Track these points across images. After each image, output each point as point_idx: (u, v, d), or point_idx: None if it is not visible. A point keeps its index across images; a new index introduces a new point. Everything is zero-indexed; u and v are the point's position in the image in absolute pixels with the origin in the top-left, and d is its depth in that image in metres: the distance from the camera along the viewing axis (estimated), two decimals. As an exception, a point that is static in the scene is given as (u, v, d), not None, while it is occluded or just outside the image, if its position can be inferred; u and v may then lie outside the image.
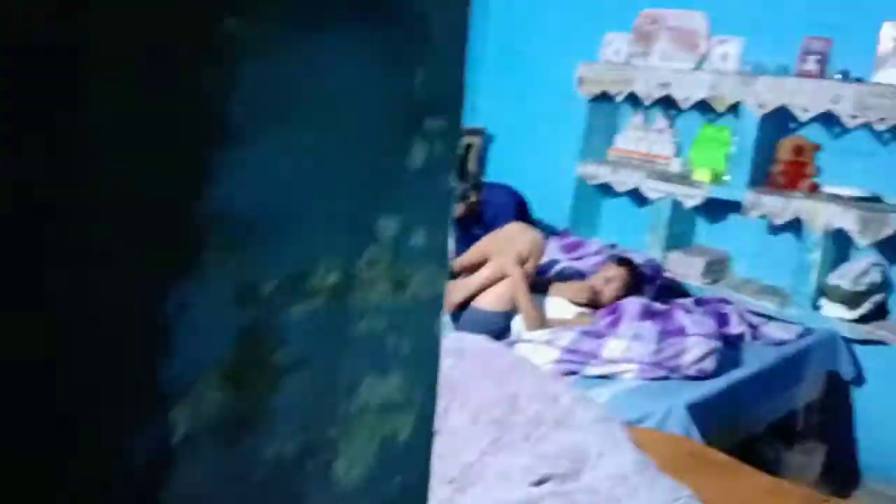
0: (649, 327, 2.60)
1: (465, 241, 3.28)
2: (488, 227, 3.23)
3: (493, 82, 4.24)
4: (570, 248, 3.47)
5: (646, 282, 3.07)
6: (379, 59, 0.28)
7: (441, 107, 0.32)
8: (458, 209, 3.22)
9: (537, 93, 4.04)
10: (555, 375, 2.11)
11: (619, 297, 2.87)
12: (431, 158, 0.31)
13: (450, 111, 0.33)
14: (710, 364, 2.48)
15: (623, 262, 2.99)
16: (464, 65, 0.34)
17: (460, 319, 2.87)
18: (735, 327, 2.84)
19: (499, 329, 2.80)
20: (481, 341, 2.22)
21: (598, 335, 2.59)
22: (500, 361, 2.08)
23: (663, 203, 3.42)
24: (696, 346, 2.49)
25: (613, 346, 2.51)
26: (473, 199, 3.20)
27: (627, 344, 2.50)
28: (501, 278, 2.80)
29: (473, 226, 3.31)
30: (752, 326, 2.89)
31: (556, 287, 3.01)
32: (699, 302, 2.99)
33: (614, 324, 2.68)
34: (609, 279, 2.92)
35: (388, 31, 0.28)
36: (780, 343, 2.85)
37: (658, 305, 2.83)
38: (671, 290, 3.28)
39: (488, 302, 2.81)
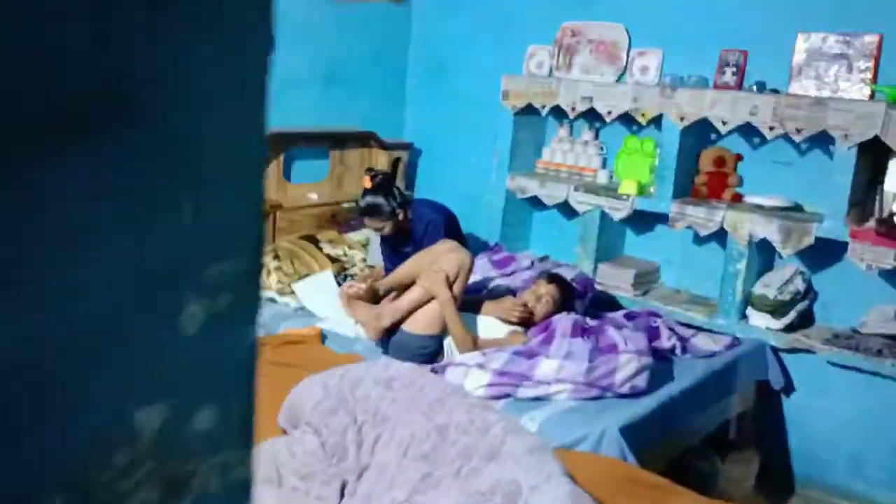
0: (581, 345, 2.57)
1: (395, 261, 3.20)
2: (418, 244, 3.16)
3: (420, 96, 4.19)
4: (501, 264, 3.43)
5: (577, 297, 3.04)
6: (122, 193, 0.20)
7: (229, 246, 0.24)
8: (387, 228, 3.13)
9: (464, 106, 4.00)
10: (486, 403, 2.05)
11: (550, 314, 2.83)
12: (216, 316, 0.24)
13: (243, 250, 0.25)
14: (642, 381, 2.47)
15: (553, 278, 2.96)
16: (261, 193, 0.27)
17: (390, 343, 2.79)
18: (665, 341, 2.83)
19: (430, 353, 2.73)
20: (409, 369, 2.14)
21: (530, 355, 2.54)
22: (430, 390, 2.01)
23: (592, 215, 3.41)
24: (628, 364, 2.46)
25: (545, 367, 2.47)
26: (401, 216, 3.13)
27: (559, 363, 2.46)
28: (430, 300, 2.73)
29: (403, 244, 3.23)
30: (682, 339, 2.90)
31: (486, 306, 2.95)
32: (629, 316, 2.98)
33: (546, 342, 2.64)
34: (540, 296, 2.88)
35: (135, 156, 0.21)
36: (710, 355, 2.86)
37: (589, 321, 2.81)
38: (602, 303, 3.27)
39: (418, 325, 2.73)
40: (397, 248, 3.25)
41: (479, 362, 2.50)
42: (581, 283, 3.15)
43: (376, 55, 4.01)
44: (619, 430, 2.19)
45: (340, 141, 3.77)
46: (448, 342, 2.75)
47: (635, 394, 2.46)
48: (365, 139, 3.86)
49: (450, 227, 3.26)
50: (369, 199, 3.06)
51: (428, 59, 4.15)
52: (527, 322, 2.87)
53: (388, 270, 3.33)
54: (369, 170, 3.25)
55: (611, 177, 3.54)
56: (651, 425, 2.37)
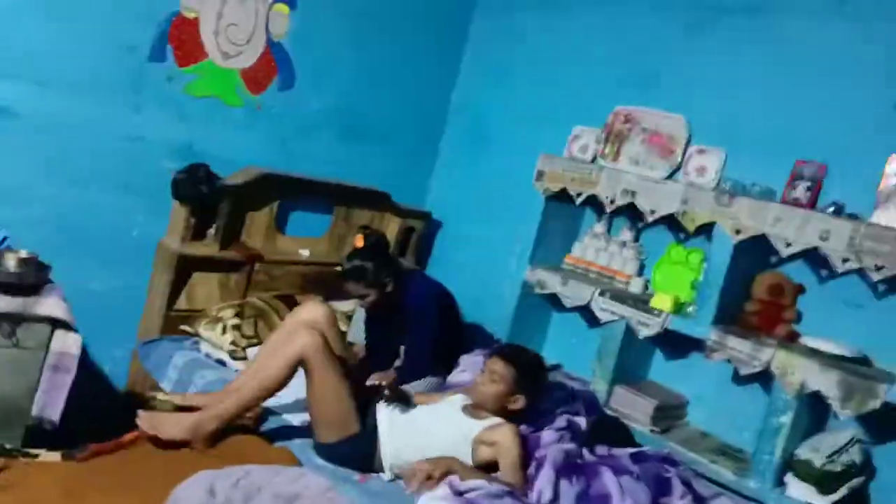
0: (567, 490, 2.03)
1: (375, 335, 2.83)
2: (403, 322, 2.72)
3: (451, 164, 3.80)
4: None
5: (556, 401, 2.49)
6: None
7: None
8: (372, 296, 2.67)
9: (497, 183, 3.59)
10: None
11: (503, 397, 2.27)
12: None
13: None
14: (633, 555, 1.90)
15: (506, 355, 2.37)
16: None
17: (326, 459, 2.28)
18: (677, 500, 2.26)
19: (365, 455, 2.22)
20: (322, 489, 1.64)
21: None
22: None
23: (616, 327, 2.89)
24: (618, 527, 1.91)
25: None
26: (390, 287, 2.68)
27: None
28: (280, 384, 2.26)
29: (386, 318, 2.78)
30: (699, 500, 2.31)
31: (419, 397, 2.45)
32: (638, 457, 2.40)
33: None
34: (494, 379, 2.29)
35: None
36: (732, 528, 2.27)
37: (586, 455, 2.26)
38: (610, 431, 2.70)
39: (332, 430, 2.24)
40: (379, 321, 2.79)
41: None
42: (586, 402, 2.61)
43: (408, 113, 3.64)
44: None
45: (349, 197, 3.37)
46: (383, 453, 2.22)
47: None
48: (377, 200, 3.45)
49: (443, 313, 2.80)
50: (357, 261, 2.63)
51: (466, 126, 3.77)
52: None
53: (369, 347, 2.87)
54: (364, 227, 2.83)
55: (646, 286, 3.04)
56: None
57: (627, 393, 2.86)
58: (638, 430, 2.77)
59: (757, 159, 2.76)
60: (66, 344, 1.91)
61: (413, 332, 2.71)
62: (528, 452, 2.21)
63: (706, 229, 2.76)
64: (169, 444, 2.00)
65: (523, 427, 2.31)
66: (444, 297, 2.86)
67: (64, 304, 1.90)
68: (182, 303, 2.87)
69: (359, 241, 2.71)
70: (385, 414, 2.27)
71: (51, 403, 1.91)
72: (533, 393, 2.32)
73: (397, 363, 2.79)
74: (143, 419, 2.07)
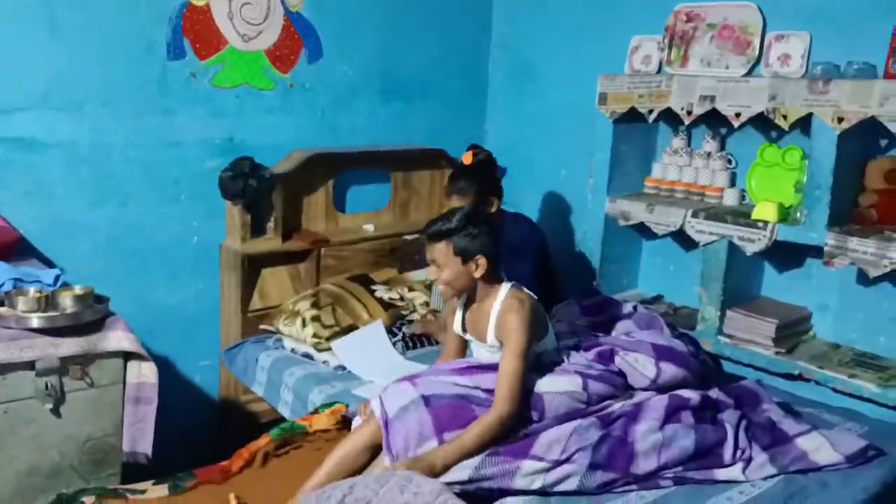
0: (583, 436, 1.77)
1: None
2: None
3: (503, 105, 3.56)
4: (592, 310, 2.65)
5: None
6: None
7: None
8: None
9: (555, 116, 3.34)
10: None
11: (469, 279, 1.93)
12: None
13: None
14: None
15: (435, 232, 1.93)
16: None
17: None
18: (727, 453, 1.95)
19: None
20: (434, 492, 1.48)
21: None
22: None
23: (717, 247, 2.64)
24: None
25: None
26: (493, 207, 2.57)
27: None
28: None
29: None
30: (776, 441, 2.00)
31: None
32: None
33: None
34: (437, 264, 1.94)
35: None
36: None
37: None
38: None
39: None
40: None
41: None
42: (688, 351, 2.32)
43: (448, 60, 3.40)
44: None
45: (404, 161, 3.18)
46: None
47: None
48: (434, 158, 3.25)
49: (542, 255, 2.62)
50: (464, 180, 2.53)
51: (512, 61, 3.50)
52: None
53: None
54: (474, 146, 2.68)
55: (742, 198, 2.77)
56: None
57: (742, 316, 2.61)
58: (760, 354, 2.54)
59: (847, 34, 2.44)
60: (142, 374, 1.81)
61: (513, 271, 2.52)
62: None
63: (801, 123, 2.46)
64: None
65: None
66: (542, 238, 2.68)
67: (130, 335, 1.79)
68: (256, 302, 2.75)
69: (467, 158, 2.62)
70: None
71: (140, 437, 1.82)
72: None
73: None
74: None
